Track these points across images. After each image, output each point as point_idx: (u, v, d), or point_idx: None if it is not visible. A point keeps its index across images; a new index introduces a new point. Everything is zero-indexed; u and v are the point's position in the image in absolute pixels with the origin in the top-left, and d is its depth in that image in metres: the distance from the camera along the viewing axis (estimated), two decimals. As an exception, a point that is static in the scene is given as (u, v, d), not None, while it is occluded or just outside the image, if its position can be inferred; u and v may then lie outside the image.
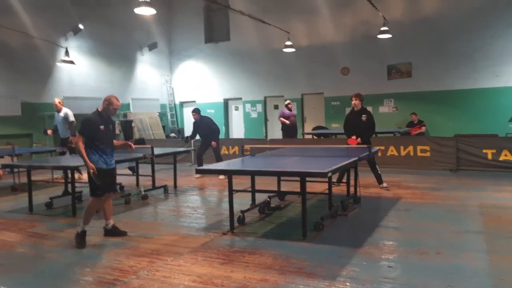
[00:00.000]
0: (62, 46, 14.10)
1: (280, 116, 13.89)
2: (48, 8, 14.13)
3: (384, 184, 8.21)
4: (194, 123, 10.73)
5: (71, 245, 5.29)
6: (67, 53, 13.39)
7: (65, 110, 10.34)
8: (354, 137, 8.06)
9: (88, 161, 5.24)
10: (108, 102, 5.40)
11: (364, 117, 8.08)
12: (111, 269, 4.43)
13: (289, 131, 13.80)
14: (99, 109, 5.45)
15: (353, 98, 8.22)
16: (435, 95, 14.71)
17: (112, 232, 5.60)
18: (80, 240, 5.25)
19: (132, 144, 5.99)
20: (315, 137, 14.33)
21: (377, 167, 8.21)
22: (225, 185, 7.40)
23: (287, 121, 13.63)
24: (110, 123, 5.54)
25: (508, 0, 13.43)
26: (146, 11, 9.31)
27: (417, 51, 14.79)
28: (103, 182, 5.33)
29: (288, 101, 14.24)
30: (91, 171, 5.22)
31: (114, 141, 5.68)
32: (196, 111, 10.68)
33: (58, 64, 14.10)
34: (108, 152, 5.47)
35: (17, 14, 13.09)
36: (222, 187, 9.10)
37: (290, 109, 13.89)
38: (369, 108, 15.40)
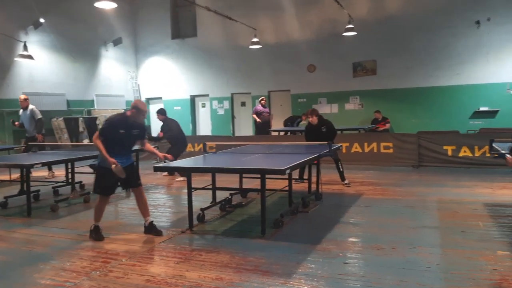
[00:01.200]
0: (22, 40, 13.61)
1: (253, 113, 13.96)
2: (6, 1, 13.62)
3: (346, 181, 8.29)
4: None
5: (24, 246, 5.12)
6: (25, 47, 12.93)
7: (31, 107, 10.02)
8: None
9: (109, 157, 5.06)
10: (137, 110, 5.22)
11: (324, 129, 8.09)
12: (62, 270, 4.28)
13: (262, 128, 13.84)
14: (128, 113, 5.27)
15: (309, 116, 8.16)
16: (399, 92, 15.00)
17: (150, 229, 5.41)
18: (95, 235, 5.24)
19: (168, 156, 5.61)
20: (281, 133, 14.36)
21: (339, 164, 8.27)
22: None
23: (257, 119, 13.65)
24: (134, 129, 5.31)
25: (468, 1, 13.81)
26: (107, 5, 9.07)
27: (382, 49, 15.04)
28: (108, 182, 5.24)
29: (262, 98, 14.30)
30: (113, 166, 5.03)
31: (148, 145, 5.50)
32: (161, 112, 10.02)
33: (16, 59, 13.61)
34: (122, 154, 5.28)
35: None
36: (185, 184, 8.97)
37: (264, 106, 13.91)
38: (335, 106, 15.80)
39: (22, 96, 10.12)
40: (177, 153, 9.64)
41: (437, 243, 4.80)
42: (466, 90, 14.14)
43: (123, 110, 17.03)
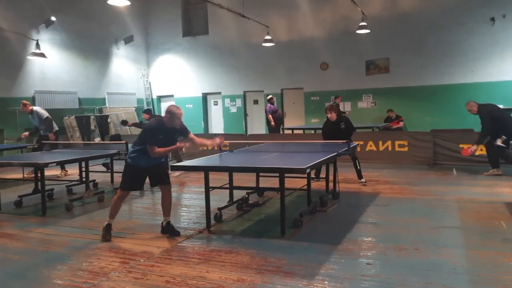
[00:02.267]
0: (34, 38, 13.64)
1: (270, 113, 13.88)
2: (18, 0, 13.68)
3: (363, 180, 8.18)
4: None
5: (40, 246, 5.09)
6: (37, 46, 12.96)
7: (34, 109, 10.03)
8: None
9: (175, 146, 5.27)
10: (171, 114, 5.14)
11: (343, 125, 8.07)
12: (80, 271, 4.24)
13: (276, 125, 13.87)
14: (164, 119, 5.22)
15: (328, 112, 8.16)
16: (412, 90, 14.84)
17: (167, 229, 5.35)
18: (104, 235, 5.22)
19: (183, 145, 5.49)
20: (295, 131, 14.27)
21: (357, 162, 8.17)
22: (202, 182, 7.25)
23: (273, 122, 13.71)
24: (172, 133, 5.29)
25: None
26: (120, 2, 9.04)
27: (395, 47, 14.88)
28: (134, 179, 5.29)
29: (271, 96, 14.24)
30: (184, 149, 5.18)
31: (196, 139, 5.51)
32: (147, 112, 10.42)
33: (29, 57, 13.65)
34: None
35: (-15, 5, 12.64)
36: (200, 183, 8.92)
37: (273, 104, 13.96)
38: (348, 104, 15.65)
39: (21, 103, 10.16)
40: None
41: (460, 244, 4.68)
42: (481, 87, 13.90)
43: (134, 108, 17.34)
